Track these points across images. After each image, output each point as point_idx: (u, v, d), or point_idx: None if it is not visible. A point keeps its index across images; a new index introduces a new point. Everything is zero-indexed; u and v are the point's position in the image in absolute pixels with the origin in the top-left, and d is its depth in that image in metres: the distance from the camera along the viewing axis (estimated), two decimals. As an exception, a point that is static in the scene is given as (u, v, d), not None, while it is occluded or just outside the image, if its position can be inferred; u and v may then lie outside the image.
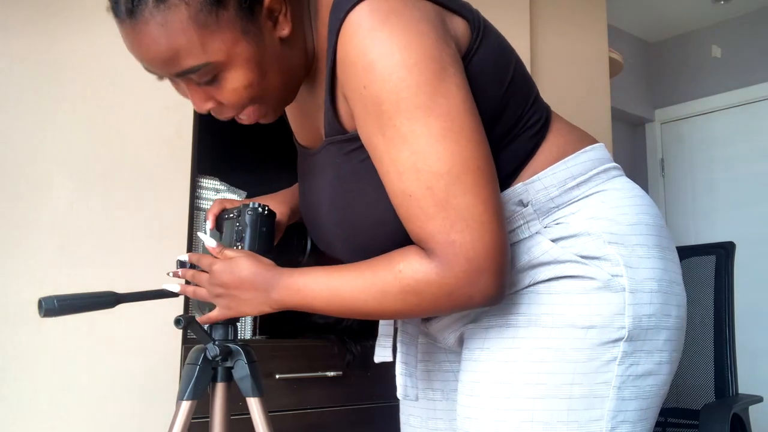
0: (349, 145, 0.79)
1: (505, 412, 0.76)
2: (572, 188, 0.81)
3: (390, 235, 0.77)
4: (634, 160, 3.82)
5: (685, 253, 1.82)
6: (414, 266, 0.72)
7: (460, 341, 0.89)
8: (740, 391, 1.72)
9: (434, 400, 0.98)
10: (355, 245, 0.82)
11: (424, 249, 0.72)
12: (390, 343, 0.91)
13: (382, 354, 0.94)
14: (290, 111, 1.04)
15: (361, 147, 0.77)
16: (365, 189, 0.79)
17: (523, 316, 0.78)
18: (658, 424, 1.78)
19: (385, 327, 0.95)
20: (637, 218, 0.81)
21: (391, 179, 0.72)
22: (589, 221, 0.79)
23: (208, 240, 0.92)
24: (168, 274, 0.98)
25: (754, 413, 1.69)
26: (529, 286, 0.79)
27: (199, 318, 0.92)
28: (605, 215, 0.80)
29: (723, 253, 1.78)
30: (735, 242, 1.79)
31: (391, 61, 0.68)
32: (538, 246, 0.79)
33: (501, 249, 0.70)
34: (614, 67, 2.54)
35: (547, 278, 0.78)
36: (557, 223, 0.81)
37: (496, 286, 0.71)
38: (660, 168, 3.75)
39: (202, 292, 0.91)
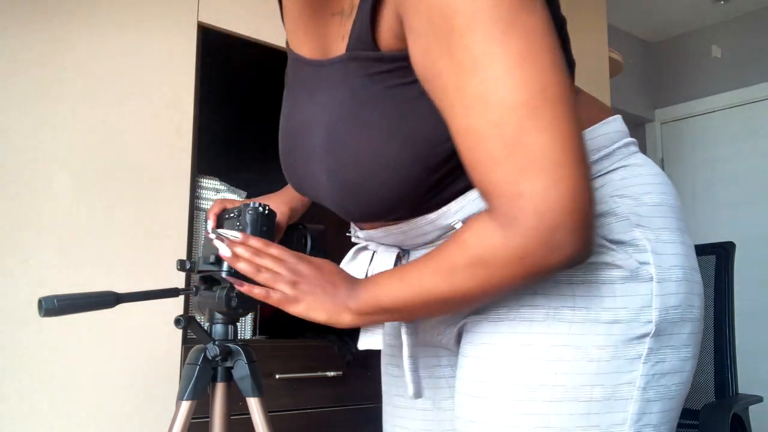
0: (377, 65, 0.67)
1: (517, 416, 0.68)
2: (596, 161, 0.73)
3: (385, 181, 0.68)
4: (634, 160, 3.82)
5: (685, 253, 1.82)
6: (478, 232, 0.62)
7: (458, 338, 0.81)
8: (740, 391, 1.72)
9: (425, 409, 0.89)
10: (344, 181, 0.71)
11: (489, 207, 0.61)
12: (381, 329, 0.79)
13: (369, 341, 0.80)
14: (290, 8, 0.86)
15: (394, 71, 0.66)
16: (380, 120, 0.67)
17: (540, 309, 0.69)
18: (658, 424, 1.78)
19: None
20: (661, 198, 0.73)
21: (454, 114, 0.60)
22: (613, 199, 0.71)
23: (235, 234, 0.79)
24: (211, 236, 0.79)
25: (754, 413, 1.69)
26: None
27: (255, 292, 0.77)
28: (630, 193, 0.71)
29: (723, 253, 1.78)
30: (735, 242, 1.79)
31: None
32: None
33: (581, 198, 0.58)
34: (614, 67, 2.54)
35: None
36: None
37: (576, 244, 0.59)
38: (660, 168, 3.76)
39: (266, 275, 0.76)
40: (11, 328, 1.20)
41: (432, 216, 0.73)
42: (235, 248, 0.76)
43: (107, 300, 0.87)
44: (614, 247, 0.69)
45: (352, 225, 0.90)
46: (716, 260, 1.78)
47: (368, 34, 0.66)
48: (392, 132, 0.67)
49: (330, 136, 0.72)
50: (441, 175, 0.69)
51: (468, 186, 0.70)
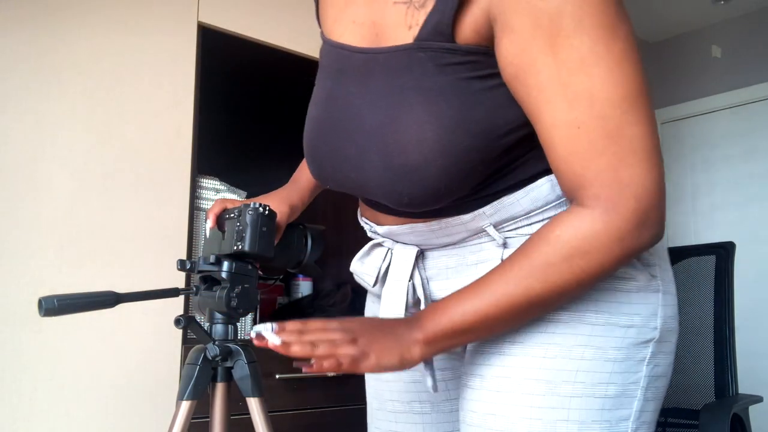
0: (449, 56, 0.69)
1: (540, 410, 0.72)
2: None
3: (442, 169, 0.70)
4: (634, 160, 3.82)
5: (685, 253, 1.82)
6: (574, 224, 0.66)
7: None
8: (740, 391, 1.72)
9: (422, 413, 0.91)
10: (401, 165, 0.71)
11: (581, 198, 0.66)
12: (402, 314, 0.80)
13: (384, 309, 0.80)
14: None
15: (465, 63, 0.69)
16: (446, 109, 0.69)
17: (565, 312, 0.73)
18: (658, 424, 1.78)
19: (397, 298, 0.83)
20: None
21: (554, 108, 0.65)
22: None
23: (267, 330, 0.71)
24: (252, 335, 0.71)
25: (754, 413, 1.69)
26: None
27: (326, 366, 0.70)
28: None
29: (723, 253, 1.78)
30: (735, 242, 1.79)
31: None
32: None
33: (664, 182, 0.66)
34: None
35: None
36: None
37: (661, 223, 0.66)
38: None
39: (324, 347, 0.70)
40: (11, 328, 1.20)
41: (466, 217, 0.76)
42: (280, 337, 0.71)
43: (107, 300, 0.87)
44: (634, 261, 0.74)
45: (365, 221, 0.91)
46: (716, 260, 1.78)
47: (449, 27, 0.68)
48: (456, 121, 0.69)
49: (390, 121, 0.72)
50: (492, 170, 0.73)
51: (503, 191, 0.75)
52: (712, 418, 1.45)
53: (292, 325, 0.72)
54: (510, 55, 0.67)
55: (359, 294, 1.80)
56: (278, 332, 0.70)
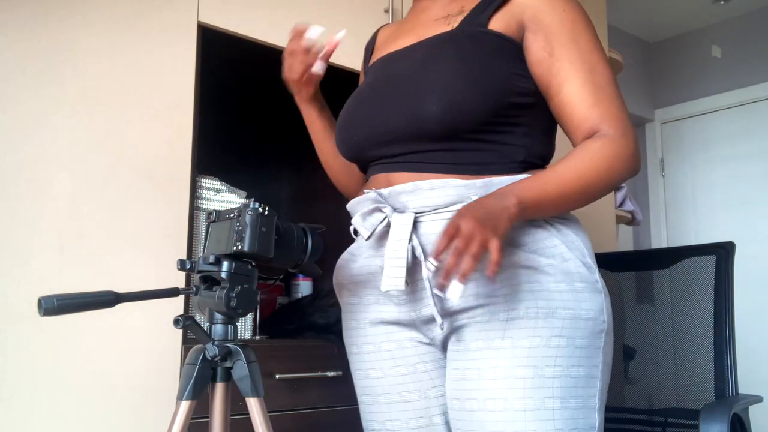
0: (482, 36, 1.02)
1: (532, 390, 0.91)
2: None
3: (478, 102, 0.96)
4: (634, 160, 3.82)
5: (685, 253, 1.82)
6: (603, 142, 0.96)
7: (446, 338, 1.01)
8: (740, 391, 1.72)
9: (412, 401, 1.05)
10: (450, 101, 0.97)
11: (603, 132, 0.97)
12: (403, 273, 0.95)
13: (395, 284, 0.95)
14: (388, 32, 1.28)
15: (492, 41, 1.01)
16: (480, 66, 0.99)
17: (542, 309, 0.94)
18: (658, 424, 1.78)
19: (398, 260, 0.97)
20: (589, 244, 1.05)
21: (578, 76, 0.99)
22: (576, 234, 1.02)
23: None
24: (431, 266, 0.94)
25: (754, 413, 1.69)
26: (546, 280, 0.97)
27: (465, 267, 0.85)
28: (581, 235, 1.03)
29: (723, 253, 1.78)
30: (735, 242, 1.79)
31: (577, 5, 1.04)
32: (551, 244, 0.98)
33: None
34: (614, 67, 2.54)
35: (563, 280, 0.96)
36: (558, 224, 1.02)
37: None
38: (660, 168, 3.75)
39: (465, 260, 0.86)
40: (11, 328, 1.20)
41: (461, 182, 0.97)
42: (444, 266, 0.87)
43: (107, 300, 0.87)
44: (583, 267, 0.97)
45: (370, 191, 1.06)
46: (716, 260, 1.78)
47: (485, 19, 1.03)
48: (486, 74, 0.98)
49: (440, 74, 0.99)
50: (489, 120, 0.98)
51: (493, 169, 0.99)
52: (712, 418, 1.45)
53: (442, 256, 0.89)
54: (538, 42, 1.01)
55: (359, 294, 1.80)
56: (440, 262, 0.89)
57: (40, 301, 0.81)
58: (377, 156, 1.07)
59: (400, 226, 0.98)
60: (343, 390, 1.60)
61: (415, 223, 0.99)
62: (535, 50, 1.01)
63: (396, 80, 1.05)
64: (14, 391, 1.19)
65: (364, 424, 1.12)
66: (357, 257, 1.12)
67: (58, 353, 1.24)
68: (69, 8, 1.33)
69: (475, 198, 0.95)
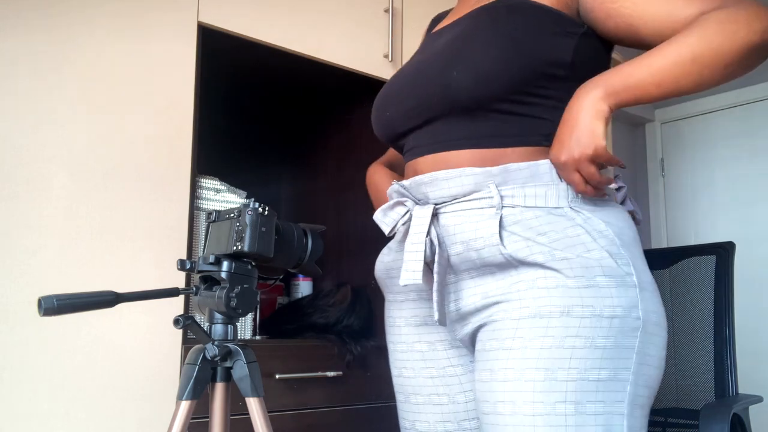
0: (521, 5, 0.96)
1: (542, 393, 0.84)
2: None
3: (505, 73, 0.92)
4: (634, 160, 3.82)
5: (685, 253, 1.82)
6: (720, 9, 0.86)
7: (472, 336, 0.97)
8: (740, 391, 1.72)
9: (441, 404, 1.02)
10: (477, 70, 0.93)
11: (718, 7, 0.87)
12: (421, 267, 0.92)
13: (412, 278, 0.94)
14: (441, 20, 1.21)
15: (523, 8, 0.95)
16: (512, 36, 0.93)
17: (556, 308, 0.86)
18: (658, 424, 1.78)
19: (416, 254, 0.95)
20: (634, 232, 0.96)
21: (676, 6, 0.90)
22: (606, 221, 0.92)
23: None
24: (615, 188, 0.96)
25: (754, 413, 1.69)
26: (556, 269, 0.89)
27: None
28: (615, 222, 0.93)
29: (723, 253, 1.78)
30: (735, 242, 1.79)
31: None
32: (573, 233, 0.90)
33: None
34: (614, 67, 2.53)
35: (580, 274, 0.87)
36: (586, 211, 0.93)
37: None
38: (660, 168, 3.75)
39: (580, 175, 0.89)
40: (11, 328, 1.20)
41: (478, 170, 0.93)
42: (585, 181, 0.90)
43: (107, 300, 0.87)
44: (609, 258, 0.88)
45: (395, 185, 1.04)
46: (716, 260, 1.78)
47: None
48: (518, 43, 0.92)
49: (471, 43, 0.95)
50: (526, 89, 0.93)
51: (516, 146, 0.94)
52: (712, 418, 1.45)
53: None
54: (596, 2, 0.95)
55: (359, 294, 1.81)
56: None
57: (40, 301, 0.81)
58: (405, 130, 1.04)
59: (418, 218, 0.96)
60: (343, 390, 1.60)
61: (437, 215, 0.97)
62: (599, 3, 0.94)
63: (431, 55, 1.02)
64: (14, 391, 1.19)
65: (399, 421, 1.10)
66: (391, 251, 1.10)
67: (58, 353, 1.24)
68: (69, 8, 1.33)
69: (492, 187, 0.92)
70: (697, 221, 3.56)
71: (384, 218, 1.02)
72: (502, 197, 0.92)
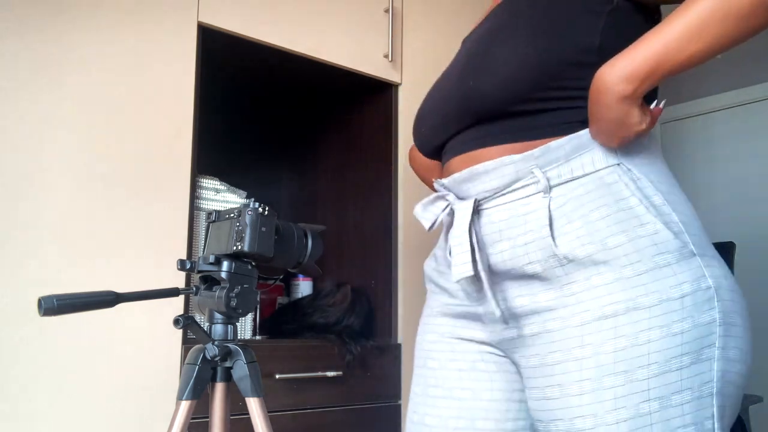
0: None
1: (623, 399, 0.79)
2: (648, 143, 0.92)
3: (533, 64, 0.86)
4: (634, 160, 3.82)
5: (685, 253, 1.82)
6: None
7: (513, 341, 0.91)
8: (740, 391, 1.72)
9: (462, 399, 0.97)
10: (504, 78, 0.89)
11: None
12: (470, 258, 0.88)
13: (463, 270, 0.90)
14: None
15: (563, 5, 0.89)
16: (547, 28, 0.88)
17: (620, 303, 0.80)
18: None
19: (461, 246, 0.91)
20: (672, 177, 0.90)
21: None
22: (654, 183, 0.86)
23: None
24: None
25: (754, 413, 1.69)
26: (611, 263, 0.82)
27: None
28: (665, 181, 0.88)
29: (723, 253, 1.78)
30: (735, 242, 1.79)
31: None
32: (627, 205, 0.83)
33: None
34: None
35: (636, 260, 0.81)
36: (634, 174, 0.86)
37: None
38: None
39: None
40: (11, 328, 1.20)
41: (517, 157, 0.87)
42: None
43: (107, 300, 0.87)
44: (665, 229, 0.81)
45: (437, 181, 1.00)
46: (716, 260, 1.78)
47: None
48: (535, 40, 0.87)
49: (491, 43, 0.91)
50: (558, 83, 0.87)
51: (553, 136, 0.87)
52: (712, 418, 1.45)
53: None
54: None
55: (359, 294, 1.81)
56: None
57: (40, 301, 0.81)
58: (440, 144, 1.01)
59: (461, 212, 0.92)
60: (343, 390, 1.60)
61: (480, 212, 0.92)
62: None
63: (454, 64, 0.99)
64: (14, 391, 1.19)
65: (408, 415, 1.05)
66: (435, 256, 1.07)
67: (58, 353, 1.24)
68: (69, 8, 1.33)
69: (537, 171, 0.87)
70: (697, 221, 3.55)
71: (424, 213, 0.99)
72: (548, 178, 0.86)
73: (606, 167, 0.85)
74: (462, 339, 0.99)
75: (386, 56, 1.81)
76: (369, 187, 1.89)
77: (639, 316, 0.79)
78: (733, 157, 3.47)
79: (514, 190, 0.89)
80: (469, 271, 0.88)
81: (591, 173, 0.85)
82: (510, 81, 0.87)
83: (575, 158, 0.86)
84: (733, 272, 1.77)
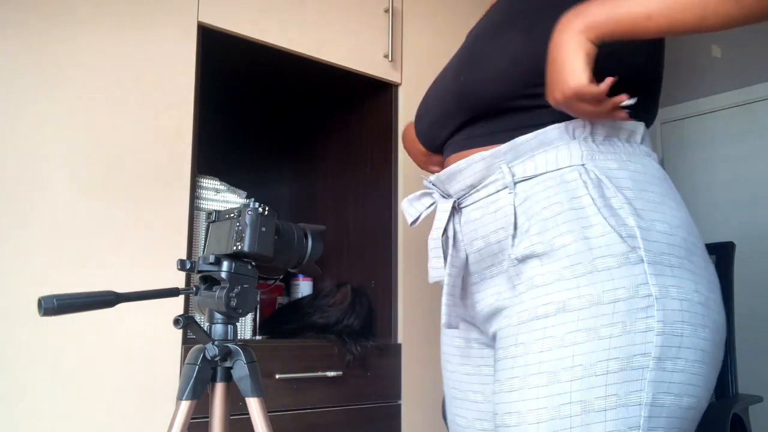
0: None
1: (545, 399, 0.78)
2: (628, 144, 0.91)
3: (506, 69, 0.87)
4: (634, 160, 3.82)
5: (685, 253, 1.82)
6: None
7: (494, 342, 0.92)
8: (740, 391, 1.72)
9: (476, 401, 0.99)
10: (476, 52, 0.91)
11: None
12: (442, 264, 0.92)
13: (435, 275, 0.94)
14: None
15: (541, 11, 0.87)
16: (521, 16, 0.89)
17: (551, 305, 0.80)
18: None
19: (434, 250, 0.95)
20: (658, 179, 0.87)
21: None
22: (618, 181, 0.84)
23: None
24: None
25: (754, 413, 1.69)
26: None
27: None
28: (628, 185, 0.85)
29: (723, 253, 1.78)
30: (735, 242, 1.79)
31: None
32: (579, 204, 0.82)
33: None
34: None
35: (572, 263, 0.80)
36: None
37: None
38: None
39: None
40: (11, 328, 1.20)
41: (486, 153, 0.88)
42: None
43: (107, 300, 0.87)
44: (610, 231, 0.79)
45: (426, 180, 1.03)
46: (716, 260, 1.78)
47: None
48: (525, 32, 0.87)
49: (483, 38, 0.93)
50: (526, 90, 0.86)
51: (518, 129, 0.87)
52: (712, 418, 1.45)
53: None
54: None
55: (359, 294, 1.81)
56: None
57: (40, 301, 0.81)
58: (442, 141, 1.02)
59: (440, 213, 0.94)
60: (343, 390, 1.60)
61: (461, 211, 0.94)
62: None
63: (451, 60, 1.00)
64: (14, 391, 1.19)
65: (446, 413, 1.09)
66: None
67: (58, 353, 1.24)
68: (69, 8, 1.33)
69: (504, 167, 0.86)
70: (698, 221, 3.56)
71: (409, 208, 1.02)
72: (513, 174, 0.86)
73: (568, 166, 0.83)
74: (470, 341, 1.01)
75: (386, 56, 1.81)
76: (369, 187, 1.89)
77: (567, 318, 0.78)
78: (733, 157, 3.47)
79: (485, 186, 0.90)
80: (441, 275, 0.91)
81: (553, 171, 0.84)
82: (499, 78, 0.87)
83: (540, 154, 0.85)
84: (732, 272, 1.77)
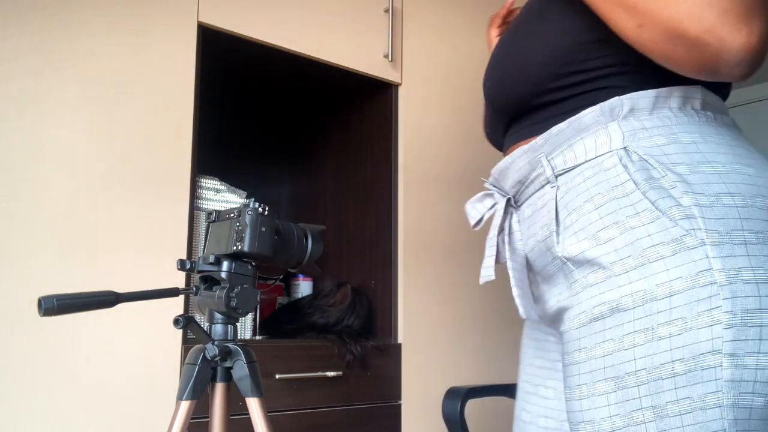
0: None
1: (615, 406, 0.73)
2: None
3: (545, 57, 0.85)
4: (635, 160, 3.82)
5: (685, 253, 1.82)
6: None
7: (550, 315, 0.90)
8: (740, 391, 1.71)
9: (547, 398, 0.95)
10: (511, 49, 0.91)
11: None
12: (492, 263, 0.90)
13: (485, 274, 0.92)
14: None
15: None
16: (554, 21, 0.87)
17: (605, 305, 0.74)
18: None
19: (489, 249, 0.93)
20: (707, 144, 0.80)
21: None
22: (661, 158, 0.78)
23: None
24: None
25: (754, 413, 1.69)
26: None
27: None
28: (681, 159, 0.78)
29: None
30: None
31: None
32: (623, 191, 0.77)
33: None
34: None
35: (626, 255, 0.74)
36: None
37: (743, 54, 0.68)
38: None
39: None
40: (11, 328, 1.20)
41: (525, 147, 0.86)
42: None
43: (107, 300, 0.87)
44: (660, 216, 0.71)
45: (484, 181, 1.02)
46: (716, 260, 1.78)
47: None
48: (543, 27, 0.86)
49: (510, 39, 0.93)
50: (563, 74, 0.84)
51: (554, 122, 0.84)
52: (712, 418, 1.45)
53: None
54: None
55: (359, 294, 1.81)
56: None
57: (40, 301, 0.81)
58: (501, 140, 1.01)
59: (497, 212, 0.93)
60: (343, 390, 1.60)
61: (520, 209, 0.92)
62: None
63: (492, 56, 0.99)
64: (14, 391, 1.19)
65: (515, 406, 1.07)
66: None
67: (58, 353, 1.24)
68: (69, 8, 1.33)
69: (544, 160, 0.84)
70: None
71: (471, 210, 1.01)
72: (554, 166, 0.83)
73: (608, 152, 0.78)
74: (547, 335, 0.98)
75: (386, 56, 1.81)
76: (369, 187, 1.89)
77: (623, 318, 0.72)
78: None
79: (531, 182, 0.87)
80: (491, 276, 0.89)
81: (592, 159, 0.79)
82: (522, 77, 0.87)
83: (578, 142, 0.81)
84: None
